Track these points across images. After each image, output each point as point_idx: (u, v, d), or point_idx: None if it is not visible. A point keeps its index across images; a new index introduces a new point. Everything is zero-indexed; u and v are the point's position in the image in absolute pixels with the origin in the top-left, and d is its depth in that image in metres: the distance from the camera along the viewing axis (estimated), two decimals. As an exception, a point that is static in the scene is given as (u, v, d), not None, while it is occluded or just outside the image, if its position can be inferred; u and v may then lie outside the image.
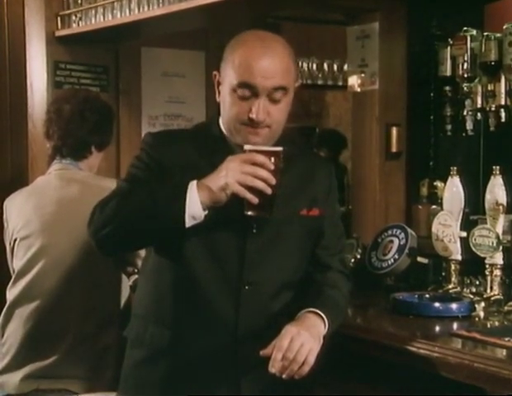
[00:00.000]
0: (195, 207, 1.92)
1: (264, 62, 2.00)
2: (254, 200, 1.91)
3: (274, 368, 1.88)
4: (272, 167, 1.93)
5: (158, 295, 2.10)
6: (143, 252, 2.74)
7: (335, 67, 5.28)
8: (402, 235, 2.76)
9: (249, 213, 1.96)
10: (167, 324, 2.07)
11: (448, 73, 3.07)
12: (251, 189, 1.91)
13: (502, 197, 2.46)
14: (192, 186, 1.92)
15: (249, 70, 1.99)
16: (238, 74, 2.00)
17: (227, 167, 1.92)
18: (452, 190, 2.61)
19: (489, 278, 2.49)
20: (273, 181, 1.92)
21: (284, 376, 1.89)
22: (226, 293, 2.04)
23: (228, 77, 2.04)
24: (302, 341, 1.90)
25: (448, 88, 3.10)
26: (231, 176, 1.91)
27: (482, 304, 2.46)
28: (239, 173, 1.91)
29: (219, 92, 2.10)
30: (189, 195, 1.91)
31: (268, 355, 1.90)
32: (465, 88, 3.00)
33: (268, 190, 1.92)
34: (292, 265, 2.12)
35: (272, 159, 1.94)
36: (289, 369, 1.89)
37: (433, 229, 2.63)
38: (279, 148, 1.98)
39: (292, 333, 1.92)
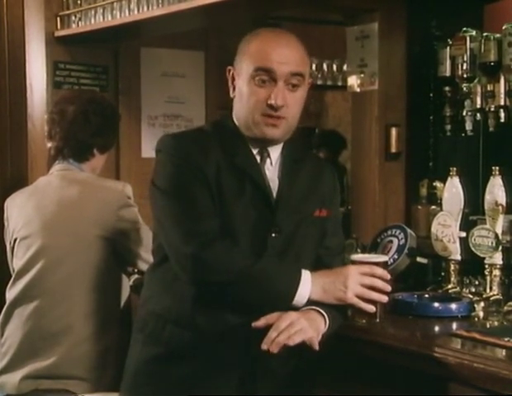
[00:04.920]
0: (301, 299, 1.98)
1: (281, 48, 2.05)
2: (371, 308, 2.01)
3: (266, 345, 1.89)
4: (389, 277, 2.06)
5: (179, 296, 2.07)
6: (143, 253, 2.76)
7: (335, 67, 5.29)
8: (402, 235, 2.75)
9: (358, 319, 2.10)
10: (187, 325, 2.04)
11: (448, 74, 3.07)
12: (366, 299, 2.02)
13: (501, 197, 2.46)
14: (306, 280, 1.98)
15: (266, 55, 2.03)
16: (255, 60, 2.04)
17: (347, 280, 1.99)
18: (452, 191, 2.61)
19: (488, 278, 2.48)
20: (389, 289, 2.02)
21: (275, 350, 1.90)
22: None
23: (245, 66, 2.06)
24: (301, 327, 1.93)
25: (447, 89, 3.11)
26: (351, 289, 1.99)
27: (482, 304, 2.45)
28: (358, 286, 1.99)
29: (233, 88, 2.12)
30: (300, 290, 1.97)
31: (260, 327, 1.92)
32: (464, 89, 3.00)
33: (384, 299, 2.02)
34: (308, 264, 2.12)
35: (384, 268, 2.09)
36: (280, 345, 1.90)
37: (433, 229, 2.63)
38: (386, 258, 2.23)
39: (292, 318, 1.94)
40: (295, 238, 2.10)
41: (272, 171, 2.13)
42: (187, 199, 2.02)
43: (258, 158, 2.12)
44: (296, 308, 1.98)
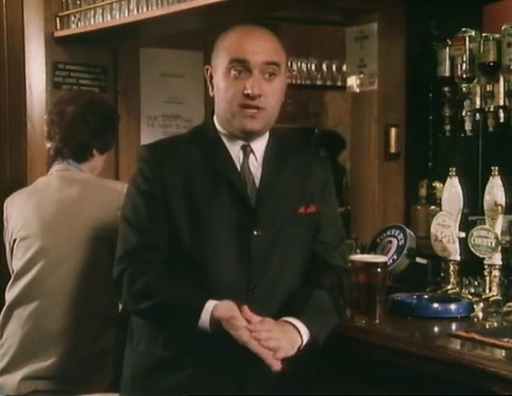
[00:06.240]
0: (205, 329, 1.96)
1: (254, 39, 2.07)
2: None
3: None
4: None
5: None
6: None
7: (334, 67, 5.29)
8: (401, 236, 2.75)
9: (358, 320, 2.25)
10: (179, 334, 2.03)
11: (447, 74, 3.07)
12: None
13: (501, 198, 2.46)
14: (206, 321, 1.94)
15: (240, 47, 2.05)
16: (229, 53, 2.06)
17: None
18: (451, 191, 2.61)
19: (487, 279, 2.49)
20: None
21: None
22: (236, 298, 1.99)
23: (220, 61, 2.08)
24: (278, 336, 1.93)
25: (446, 89, 3.11)
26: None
27: (481, 304, 2.45)
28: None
29: (212, 86, 2.13)
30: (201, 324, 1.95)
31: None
32: (464, 89, 3.00)
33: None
34: (297, 264, 2.12)
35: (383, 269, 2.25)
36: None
37: (432, 230, 2.63)
38: (386, 258, 2.37)
39: (271, 324, 1.95)
40: (280, 236, 2.08)
41: (257, 167, 2.12)
42: (139, 231, 2.07)
43: (241, 154, 2.11)
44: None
